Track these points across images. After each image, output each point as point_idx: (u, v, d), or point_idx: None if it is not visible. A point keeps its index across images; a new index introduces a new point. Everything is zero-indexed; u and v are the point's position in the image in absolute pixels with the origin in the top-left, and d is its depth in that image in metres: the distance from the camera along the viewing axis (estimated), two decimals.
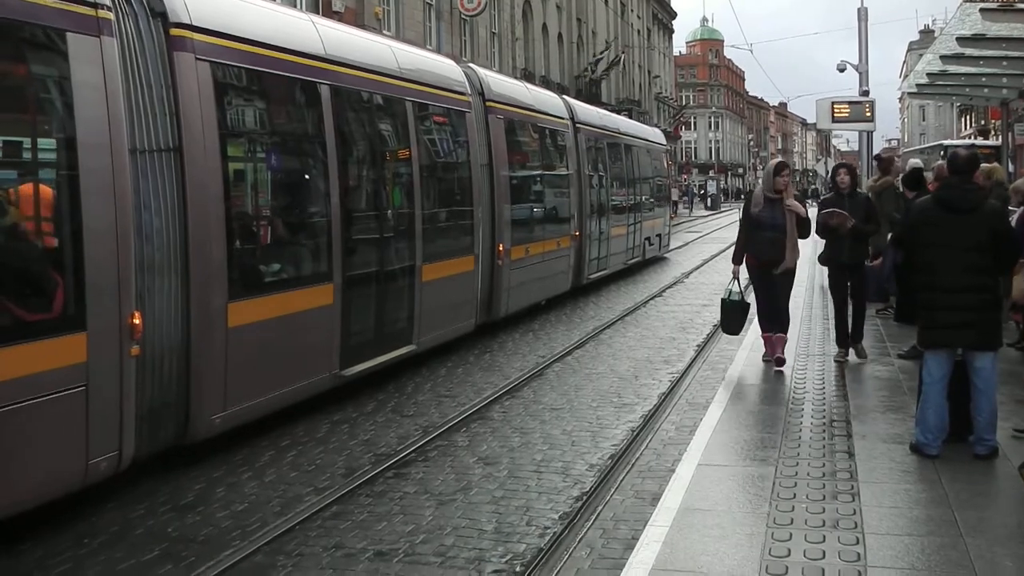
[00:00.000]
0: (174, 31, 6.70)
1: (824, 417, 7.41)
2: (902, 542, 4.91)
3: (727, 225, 39.22)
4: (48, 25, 5.58)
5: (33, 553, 5.31)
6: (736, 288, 9.63)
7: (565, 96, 19.00)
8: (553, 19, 41.34)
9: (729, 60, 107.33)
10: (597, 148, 18.56)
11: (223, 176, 7.07)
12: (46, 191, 5.68)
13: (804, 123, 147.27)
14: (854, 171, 10.01)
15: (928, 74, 18.65)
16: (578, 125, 17.05)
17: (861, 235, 9.27)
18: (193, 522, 5.81)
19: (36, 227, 5.68)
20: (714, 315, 12.00)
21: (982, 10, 13.28)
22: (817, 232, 9.47)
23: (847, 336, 9.58)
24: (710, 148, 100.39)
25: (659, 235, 24.56)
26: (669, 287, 18.70)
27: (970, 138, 46.07)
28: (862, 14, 22.88)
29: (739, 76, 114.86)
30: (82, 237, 5.63)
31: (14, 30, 5.42)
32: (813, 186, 71.69)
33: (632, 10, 57.56)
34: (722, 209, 62.09)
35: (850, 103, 20.50)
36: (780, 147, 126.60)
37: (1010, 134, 22.99)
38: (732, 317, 9.81)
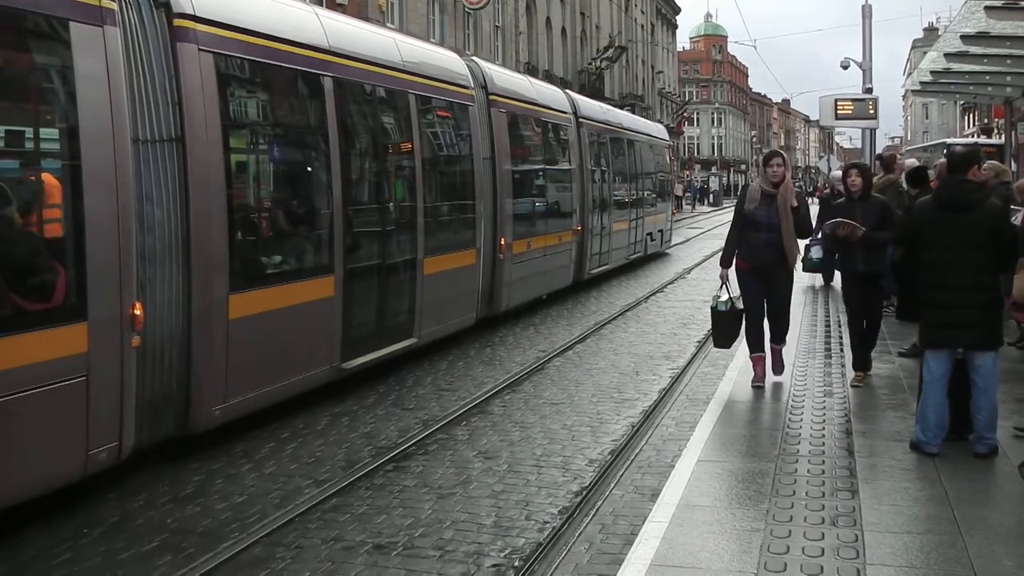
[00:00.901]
0: (177, 22, 6.70)
1: (824, 414, 7.41)
2: (901, 540, 4.90)
3: (730, 221, 39.09)
4: (51, 14, 5.57)
5: (34, 543, 5.32)
6: (725, 296, 8.49)
7: (568, 90, 18.98)
8: (557, 13, 41.27)
9: (733, 56, 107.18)
10: (600, 143, 18.54)
11: (225, 167, 7.07)
12: (48, 181, 5.68)
13: (807, 120, 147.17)
14: (867, 171, 8.68)
15: (932, 72, 18.59)
16: (581, 120, 17.04)
17: (875, 244, 8.15)
18: (193, 513, 5.82)
19: (37, 217, 5.68)
20: None
21: (986, 8, 13.22)
22: (825, 243, 8.84)
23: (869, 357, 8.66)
24: (713, 144, 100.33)
25: (661, 231, 24.57)
26: (670, 283, 18.69)
27: (973, 136, 45.96)
28: (866, 11, 22.84)
29: (742, 72, 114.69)
30: (84, 227, 5.63)
31: (17, 19, 5.41)
32: (817, 183, 71.36)
33: (636, 5, 57.45)
34: (724, 205, 62.03)
35: (853, 100, 20.51)
36: (783, 144, 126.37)
37: (1013, 133, 22.92)
38: (724, 328, 8.63)
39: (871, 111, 20.35)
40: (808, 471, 6.02)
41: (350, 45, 8.90)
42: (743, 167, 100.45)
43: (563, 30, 42.35)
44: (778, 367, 8.72)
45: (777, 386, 8.54)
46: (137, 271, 6.10)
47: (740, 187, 48.71)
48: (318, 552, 5.19)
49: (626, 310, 14.71)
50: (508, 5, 34.61)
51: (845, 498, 5.51)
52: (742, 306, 8.49)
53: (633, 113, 31.48)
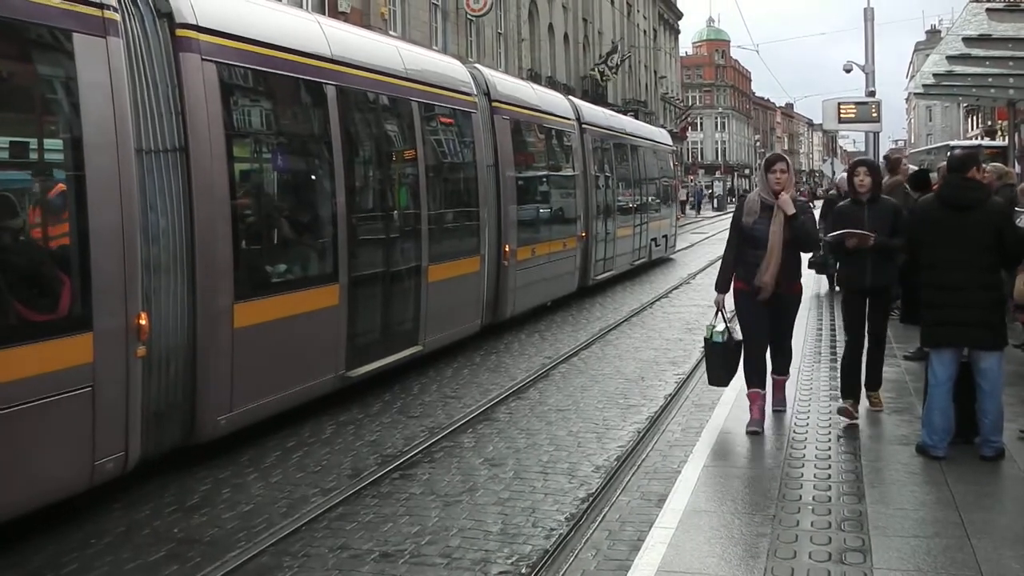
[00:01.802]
0: (180, 32, 6.72)
1: (830, 419, 7.39)
2: (908, 544, 4.89)
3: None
4: (54, 26, 5.59)
5: (41, 553, 5.33)
6: (721, 325, 7.25)
7: (571, 96, 19.00)
8: (559, 19, 41.31)
9: (735, 60, 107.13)
10: (603, 149, 18.55)
11: (229, 176, 7.08)
12: (52, 191, 5.70)
13: (811, 124, 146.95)
14: (876, 170, 7.57)
15: (934, 75, 18.55)
16: (584, 126, 17.05)
17: (887, 251, 7.11)
18: (199, 523, 5.82)
19: (43, 227, 5.70)
20: None
21: (989, 10, 13.22)
22: (831, 252, 8.02)
23: (858, 382, 7.33)
24: (716, 149, 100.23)
25: (665, 236, 24.55)
26: (675, 288, 18.68)
27: (977, 139, 45.91)
28: (868, 14, 22.81)
29: (745, 76, 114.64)
30: (88, 237, 5.64)
31: (20, 30, 5.44)
32: (822, 187, 71.05)
33: (638, 10, 57.52)
34: (728, 210, 61.97)
35: (857, 104, 20.44)
36: (786, 148, 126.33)
37: (1017, 135, 22.87)
38: (720, 362, 7.31)
39: (874, 114, 20.29)
40: (814, 475, 6.01)
41: (353, 53, 8.92)
42: (747, 171, 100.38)
43: (565, 36, 42.39)
44: (780, 401, 7.54)
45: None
46: (142, 281, 6.11)
47: (738, 196, 48.02)
48: (325, 561, 5.19)
49: (631, 316, 14.70)
50: (510, 12, 34.66)
51: (851, 502, 5.49)
52: (740, 337, 7.25)
53: (636, 118, 31.48)
